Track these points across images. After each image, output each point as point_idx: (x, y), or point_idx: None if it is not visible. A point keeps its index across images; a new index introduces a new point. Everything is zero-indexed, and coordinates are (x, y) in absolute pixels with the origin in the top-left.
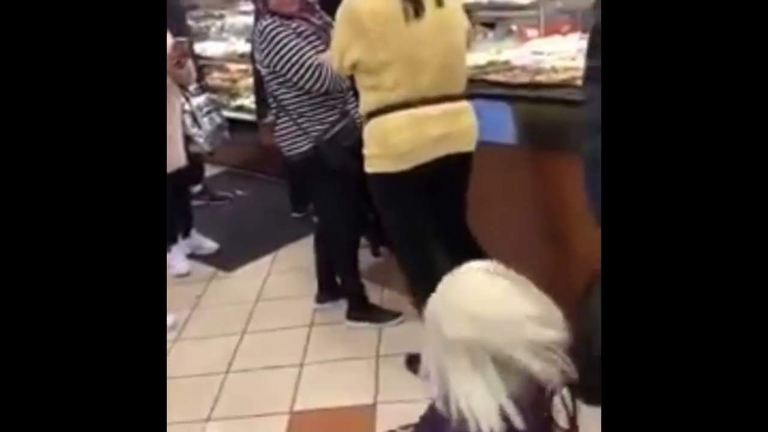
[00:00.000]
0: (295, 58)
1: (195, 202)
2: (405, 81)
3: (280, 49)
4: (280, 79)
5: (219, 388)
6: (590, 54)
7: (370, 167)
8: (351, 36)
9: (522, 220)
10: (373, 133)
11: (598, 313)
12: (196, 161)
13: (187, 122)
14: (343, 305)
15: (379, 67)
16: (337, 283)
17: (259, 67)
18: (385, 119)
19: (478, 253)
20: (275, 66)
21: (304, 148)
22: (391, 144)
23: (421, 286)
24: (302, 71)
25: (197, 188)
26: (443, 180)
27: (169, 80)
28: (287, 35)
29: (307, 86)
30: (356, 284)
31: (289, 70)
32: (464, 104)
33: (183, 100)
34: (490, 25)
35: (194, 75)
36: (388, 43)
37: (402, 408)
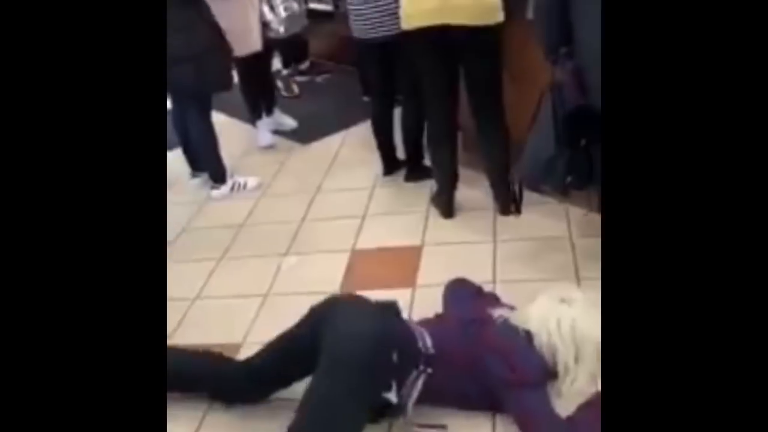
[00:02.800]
0: None
1: (300, 78)
2: None
3: None
4: None
5: (295, 232)
6: None
7: None
8: None
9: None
10: None
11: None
12: (300, 41)
13: (264, 10)
14: (401, 173)
15: None
16: (397, 158)
17: None
18: None
19: (490, 123)
20: None
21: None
22: (401, 9)
23: (428, 133)
24: None
25: (305, 65)
26: (453, 47)
27: None
28: None
29: None
30: (419, 150)
31: None
32: None
33: None
34: None
35: None
36: None
37: (443, 248)
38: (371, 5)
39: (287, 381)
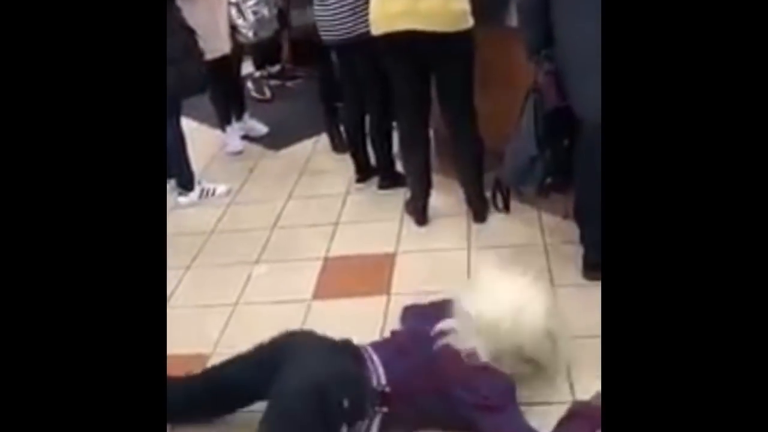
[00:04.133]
0: None
1: (272, 82)
2: None
3: None
4: None
5: (266, 240)
6: None
7: None
8: None
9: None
10: None
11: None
12: (272, 44)
13: (232, 13)
14: (374, 180)
15: None
16: (371, 165)
17: None
18: None
19: (462, 132)
20: None
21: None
22: (370, 14)
23: (400, 140)
24: None
25: (276, 68)
26: (423, 54)
27: None
28: None
29: None
30: (389, 158)
31: None
32: None
33: None
34: None
35: None
36: None
37: (418, 255)
38: (324, 8)
39: (231, 410)
